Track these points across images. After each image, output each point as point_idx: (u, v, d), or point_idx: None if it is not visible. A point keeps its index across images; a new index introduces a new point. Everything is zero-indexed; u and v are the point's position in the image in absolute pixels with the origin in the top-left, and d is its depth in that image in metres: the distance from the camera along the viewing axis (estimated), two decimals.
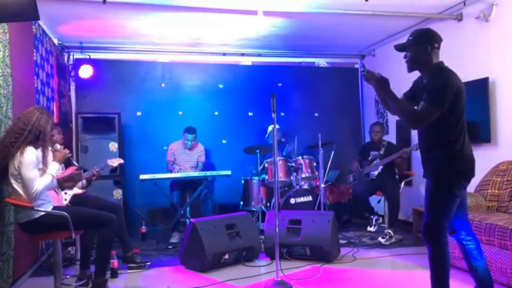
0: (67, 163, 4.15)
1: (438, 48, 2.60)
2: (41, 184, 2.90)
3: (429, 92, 2.49)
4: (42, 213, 2.95)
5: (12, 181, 2.90)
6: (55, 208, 3.12)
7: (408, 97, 2.76)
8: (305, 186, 5.50)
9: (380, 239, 4.64)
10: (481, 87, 4.32)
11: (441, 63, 2.60)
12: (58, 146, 3.26)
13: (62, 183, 3.82)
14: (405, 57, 2.64)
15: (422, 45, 2.57)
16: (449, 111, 2.47)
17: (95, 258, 3.29)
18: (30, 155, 2.88)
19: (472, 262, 2.68)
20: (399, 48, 2.67)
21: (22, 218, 2.98)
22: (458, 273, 3.48)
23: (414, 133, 5.18)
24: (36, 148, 2.97)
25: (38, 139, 2.97)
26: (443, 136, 2.53)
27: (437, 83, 2.49)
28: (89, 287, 3.23)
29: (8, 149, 2.87)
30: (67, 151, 3.28)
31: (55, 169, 3.08)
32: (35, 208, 2.92)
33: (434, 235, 2.55)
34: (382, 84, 2.59)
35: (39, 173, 2.95)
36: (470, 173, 2.59)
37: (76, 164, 4.09)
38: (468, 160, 2.58)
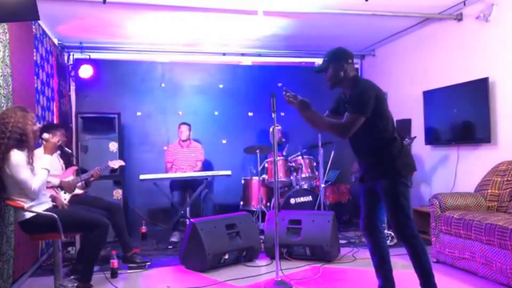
0: (67, 163, 4.15)
1: (352, 63, 2.79)
2: (36, 183, 2.90)
3: (350, 103, 2.67)
4: (33, 214, 2.95)
5: (6, 183, 2.90)
6: (53, 208, 3.12)
7: (332, 111, 2.95)
8: (305, 186, 5.50)
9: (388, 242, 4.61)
10: (481, 87, 4.31)
11: (356, 75, 2.82)
12: (46, 136, 3.19)
13: (61, 184, 3.82)
14: (325, 77, 2.81)
15: (338, 62, 2.74)
16: (377, 115, 2.65)
17: (82, 261, 3.27)
18: (16, 157, 2.83)
19: (386, 258, 2.87)
20: (318, 70, 2.83)
21: (18, 218, 3.02)
22: (458, 273, 3.48)
23: (414, 134, 5.17)
24: (22, 149, 2.89)
25: (21, 141, 2.89)
26: (381, 138, 2.71)
27: (356, 94, 2.67)
28: None
29: None
30: (56, 139, 3.23)
31: (47, 162, 3.03)
32: (25, 209, 2.93)
33: (409, 232, 2.66)
34: (304, 106, 2.77)
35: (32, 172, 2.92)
36: (414, 166, 2.78)
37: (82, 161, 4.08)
38: (409, 154, 2.81)
